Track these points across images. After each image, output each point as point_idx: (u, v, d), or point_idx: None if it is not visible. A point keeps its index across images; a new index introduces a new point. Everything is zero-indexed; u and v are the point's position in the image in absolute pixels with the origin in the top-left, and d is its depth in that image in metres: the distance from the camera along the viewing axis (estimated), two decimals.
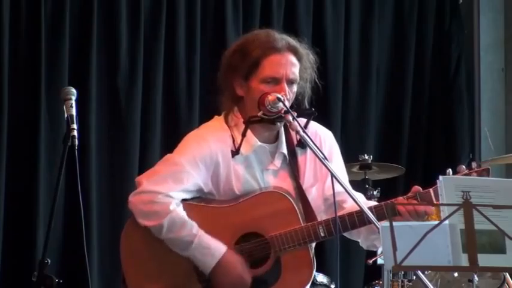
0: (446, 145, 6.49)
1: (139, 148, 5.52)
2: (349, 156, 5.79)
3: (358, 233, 3.57)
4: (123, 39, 5.51)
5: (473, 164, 3.42)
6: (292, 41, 3.59)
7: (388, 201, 3.41)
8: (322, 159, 3.34)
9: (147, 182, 3.53)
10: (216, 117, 3.66)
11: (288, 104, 3.48)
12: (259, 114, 3.48)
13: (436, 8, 6.55)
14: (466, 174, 3.39)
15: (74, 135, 3.38)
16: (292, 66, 3.54)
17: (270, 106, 3.44)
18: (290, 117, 3.41)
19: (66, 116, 3.44)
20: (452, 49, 6.52)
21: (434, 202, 3.38)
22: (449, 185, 2.77)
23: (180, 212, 3.48)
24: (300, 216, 3.48)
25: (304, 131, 3.41)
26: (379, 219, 3.34)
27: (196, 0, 5.75)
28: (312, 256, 3.49)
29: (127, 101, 5.50)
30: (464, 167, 3.42)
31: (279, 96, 3.44)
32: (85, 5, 5.42)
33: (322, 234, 3.44)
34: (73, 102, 3.48)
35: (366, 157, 5.43)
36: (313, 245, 3.55)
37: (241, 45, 3.61)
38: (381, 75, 6.39)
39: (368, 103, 6.29)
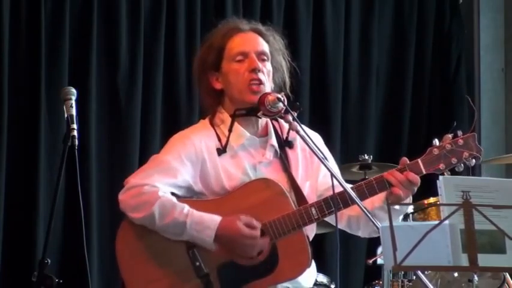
0: None
1: (139, 148, 5.51)
2: (349, 156, 5.81)
3: (357, 223, 3.57)
4: (123, 39, 5.51)
5: (459, 132, 3.44)
6: (256, 25, 3.62)
7: (378, 176, 3.44)
8: (322, 159, 3.35)
9: (133, 179, 3.54)
10: (201, 120, 3.67)
11: (268, 85, 3.50)
12: (259, 114, 3.49)
13: (436, 8, 6.54)
14: (452, 142, 3.42)
15: (74, 135, 3.39)
16: (260, 42, 3.56)
17: (270, 106, 3.45)
18: (290, 117, 3.42)
19: (66, 116, 3.45)
20: (452, 49, 6.51)
21: (423, 172, 3.42)
22: (449, 185, 2.77)
23: (169, 196, 3.47)
24: (291, 202, 3.46)
25: (304, 131, 3.42)
26: (370, 194, 3.42)
27: (196, 0, 5.75)
28: (307, 240, 3.47)
29: (127, 101, 5.50)
30: (449, 135, 3.44)
31: (279, 96, 3.45)
32: (85, 5, 5.42)
33: (315, 216, 3.42)
34: (73, 102, 3.49)
35: (366, 157, 5.42)
36: (311, 235, 3.55)
37: (206, 40, 3.66)
38: (380, 75, 6.39)
39: (368, 103, 6.28)
